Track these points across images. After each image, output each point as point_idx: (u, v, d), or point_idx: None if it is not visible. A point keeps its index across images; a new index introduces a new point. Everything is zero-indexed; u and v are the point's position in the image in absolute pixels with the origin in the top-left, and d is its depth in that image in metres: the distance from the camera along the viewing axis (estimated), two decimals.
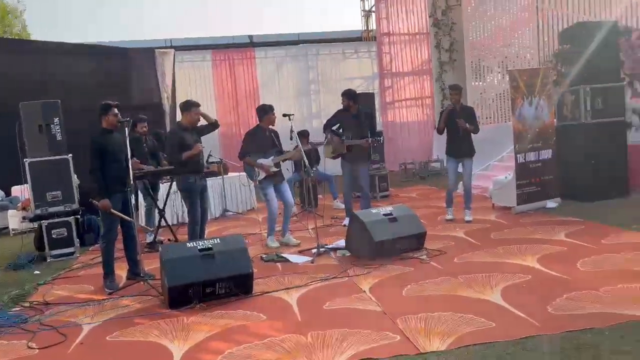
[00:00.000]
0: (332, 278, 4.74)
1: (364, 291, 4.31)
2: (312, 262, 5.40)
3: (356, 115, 6.81)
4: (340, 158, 6.92)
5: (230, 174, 9.40)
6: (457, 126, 6.69)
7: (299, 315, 3.90)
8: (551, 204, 7.32)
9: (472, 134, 6.75)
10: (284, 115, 5.89)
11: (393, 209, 5.64)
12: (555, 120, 7.63)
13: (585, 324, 3.24)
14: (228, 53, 15.45)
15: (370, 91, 14.05)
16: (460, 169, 6.94)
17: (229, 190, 9.16)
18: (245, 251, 4.53)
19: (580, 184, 7.45)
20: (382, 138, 7.14)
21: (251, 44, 16.23)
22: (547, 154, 7.36)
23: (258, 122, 6.32)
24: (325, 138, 6.98)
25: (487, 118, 12.64)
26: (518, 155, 7.14)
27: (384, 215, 5.48)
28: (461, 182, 7.19)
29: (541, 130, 7.32)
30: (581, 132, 7.45)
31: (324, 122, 7.19)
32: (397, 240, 5.33)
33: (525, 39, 12.15)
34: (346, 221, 6.73)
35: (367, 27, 16.75)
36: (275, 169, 6.19)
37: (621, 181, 7.48)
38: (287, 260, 5.51)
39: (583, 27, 7.94)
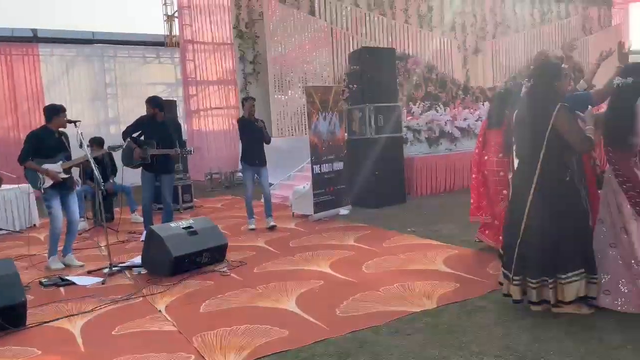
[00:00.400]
0: (125, 299, 4.40)
1: (160, 311, 4.09)
2: (103, 283, 4.94)
3: (163, 123, 6.49)
4: (140, 168, 6.50)
5: (4, 186, 8.11)
6: (253, 135, 6.93)
7: (82, 346, 3.51)
8: (343, 211, 7.96)
9: (264, 145, 7.07)
10: (69, 121, 5.30)
11: (194, 222, 5.53)
12: (345, 134, 8.34)
13: (366, 323, 3.56)
14: (4, 47, 13.41)
15: (174, 98, 13.57)
16: (256, 177, 7.13)
17: (3, 205, 7.91)
18: (16, 276, 3.93)
19: (367, 193, 8.26)
20: (192, 149, 6.94)
21: (35, 38, 14.35)
22: (339, 165, 7.99)
23: (45, 123, 5.55)
24: (125, 144, 6.46)
25: (289, 130, 13.24)
26: (314, 167, 7.62)
27: (184, 228, 5.31)
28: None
29: (334, 143, 7.93)
30: (367, 146, 8.27)
31: (124, 128, 6.68)
32: (197, 253, 5.21)
33: (323, 58, 13.11)
34: (144, 236, 6.33)
35: (171, 32, 16.19)
36: (64, 176, 5.50)
37: (400, 189, 8.52)
38: (72, 283, 4.94)
39: (367, 51, 8.85)
